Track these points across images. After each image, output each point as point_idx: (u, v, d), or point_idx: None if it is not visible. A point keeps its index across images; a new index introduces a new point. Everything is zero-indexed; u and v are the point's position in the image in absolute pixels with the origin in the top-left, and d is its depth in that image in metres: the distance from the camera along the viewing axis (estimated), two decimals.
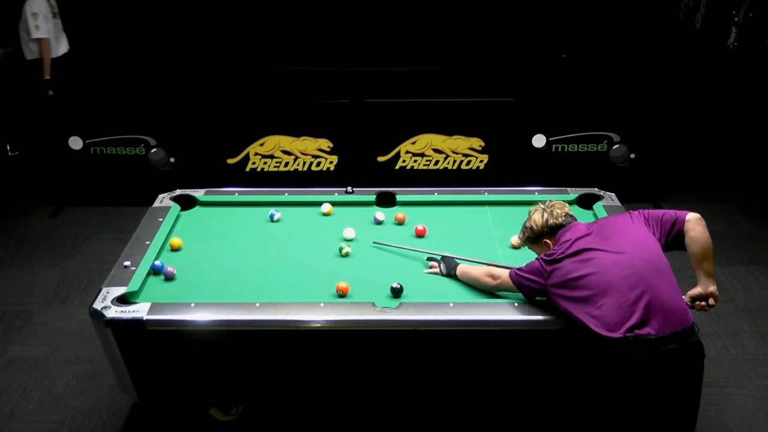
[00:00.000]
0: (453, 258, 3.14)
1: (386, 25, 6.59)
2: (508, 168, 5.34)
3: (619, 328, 2.44)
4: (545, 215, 2.82)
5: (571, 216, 2.84)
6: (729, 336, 4.02)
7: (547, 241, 2.81)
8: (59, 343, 3.97)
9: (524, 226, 2.91)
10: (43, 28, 5.52)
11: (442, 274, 3.13)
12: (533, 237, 2.87)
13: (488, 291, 2.97)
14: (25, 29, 5.56)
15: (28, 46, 5.62)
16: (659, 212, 2.74)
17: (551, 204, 2.87)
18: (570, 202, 3.77)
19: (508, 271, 2.87)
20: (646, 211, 2.79)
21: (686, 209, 2.79)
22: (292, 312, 2.81)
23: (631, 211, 2.82)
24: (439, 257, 3.19)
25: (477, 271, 3.01)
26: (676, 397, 2.49)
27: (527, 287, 2.76)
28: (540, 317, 2.80)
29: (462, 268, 3.07)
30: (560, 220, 2.80)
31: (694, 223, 2.71)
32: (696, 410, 2.56)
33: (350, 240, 3.41)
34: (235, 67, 6.28)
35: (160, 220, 3.51)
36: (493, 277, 2.91)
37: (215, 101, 5.43)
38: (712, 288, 2.66)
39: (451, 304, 2.83)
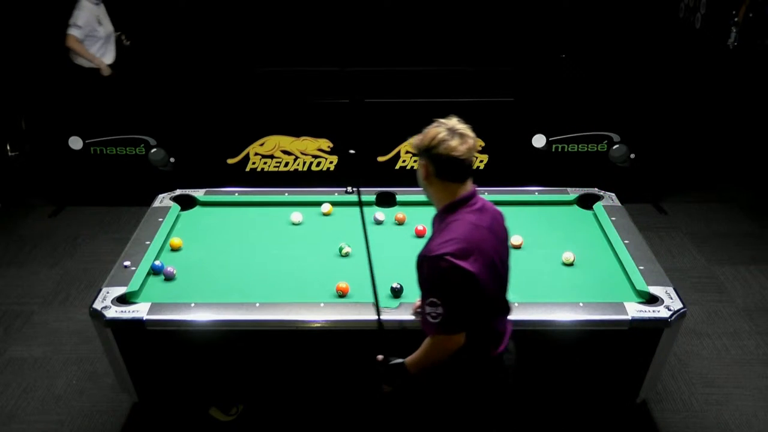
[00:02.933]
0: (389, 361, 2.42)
1: (386, 25, 6.59)
2: (508, 168, 5.34)
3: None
4: None
5: None
6: (729, 336, 4.02)
7: None
8: (59, 343, 3.97)
9: None
10: (78, 30, 5.51)
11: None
12: None
13: None
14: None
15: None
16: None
17: None
18: (570, 202, 3.78)
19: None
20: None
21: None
22: (292, 312, 2.81)
23: None
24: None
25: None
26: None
27: None
28: (540, 317, 2.80)
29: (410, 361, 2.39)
30: None
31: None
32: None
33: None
34: (235, 67, 6.28)
35: (160, 220, 3.51)
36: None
37: (215, 101, 5.43)
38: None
39: None
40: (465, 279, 2.15)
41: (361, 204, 2.58)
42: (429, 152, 2.22)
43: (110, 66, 5.77)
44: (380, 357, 2.43)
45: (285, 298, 2.91)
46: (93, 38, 5.61)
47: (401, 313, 2.79)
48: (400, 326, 2.79)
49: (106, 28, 5.72)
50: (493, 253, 2.26)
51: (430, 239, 2.27)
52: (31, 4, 6.29)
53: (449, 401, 2.42)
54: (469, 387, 2.38)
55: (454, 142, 2.19)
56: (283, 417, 3.40)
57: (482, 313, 2.27)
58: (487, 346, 2.36)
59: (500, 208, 2.46)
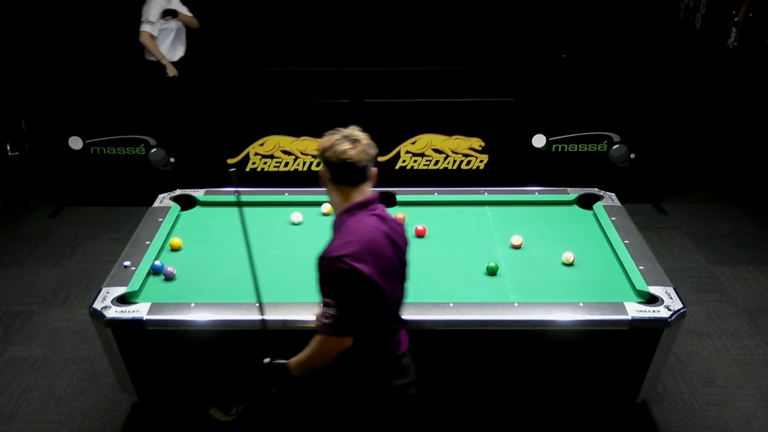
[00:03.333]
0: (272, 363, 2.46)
1: (386, 25, 6.59)
2: (508, 168, 5.34)
3: None
4: None
5: None
6: (729, 336, 4.02)
7: None
8: (59, 343, 3.96)
9: None
10: (151, 26, 5.50)
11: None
12: None
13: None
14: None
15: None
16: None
17: None
18: (570, 202, 3.78)
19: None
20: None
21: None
22: (292, 312, 2.81)
23: None
24: None
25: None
26: None
27: None
28: (540, 317, 2.80)
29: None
30: None
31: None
32: None
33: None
34: (235, 67, 6.29)
35: (160, 220, 3.51)
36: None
37: (215, 101, 5.43)
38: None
39: (451, 304, 2.83)
40: (362, 282, 2.16)
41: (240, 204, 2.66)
42: (323, 156, 2.31)
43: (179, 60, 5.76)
44: (267, 360, 2.45)
45: (285, 298, 2.91)
46: (165, 31, 5.61)
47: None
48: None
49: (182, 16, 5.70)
50: (392, 259, 2.28)
51: (330, 241, 2.31)
52: (32, 4, 6.28)
53: (347, 402, 2.47)
54: (366, 388, 2.41)
55: (345, 146, 2.27)
56: (283, 417, 3.40)
57: (376, 319, 2.28)
58: (382, 350, 2.38)
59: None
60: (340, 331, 2.22)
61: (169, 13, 5.57)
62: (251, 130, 5.34)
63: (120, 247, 3.35)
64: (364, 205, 2.32)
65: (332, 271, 2.19)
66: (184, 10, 5.72)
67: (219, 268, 3.21)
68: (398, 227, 2.40)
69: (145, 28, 5.50)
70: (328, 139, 2.33)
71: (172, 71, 5.66)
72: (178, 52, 5.79)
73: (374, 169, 2.35)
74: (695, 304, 4.27)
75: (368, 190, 2.35)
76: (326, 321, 2.22)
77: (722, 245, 4.96)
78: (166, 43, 5.65)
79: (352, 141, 2.29)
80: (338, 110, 5.25)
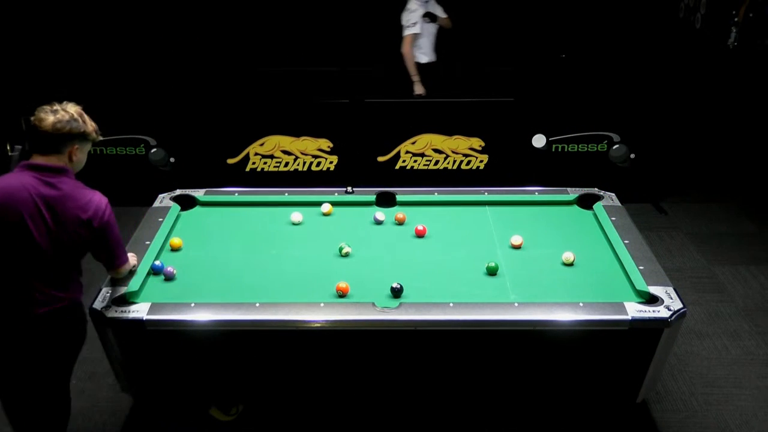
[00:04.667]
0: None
1: (387, 25, 6.59)
2: (508, 168, 5.34)
3: None
4: None
5: None
6: (729, 336, 4.02)
7: None
8: None
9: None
10: (413, 28, 5.47)
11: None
12: None
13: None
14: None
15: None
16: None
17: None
18: (570, 202, 3.78)
19: None
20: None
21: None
22: (292, 312, 2.81)
23: None
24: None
25: None
26: None
27: None
28: (540, 317, 2.80)
29: None
30: None
31: None
32: None
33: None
34: (235, 67, 6.29)
35: (160, 220, 3.51)
36: None
37: (215, 101, 5.43)
38: None
39: (451, 304, 2.83)
40: None
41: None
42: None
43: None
44: None
45: (285, 298, 2.91)
46: (420, 36, 5.55)
47: (401, 313, 2.79)
48: (400, 326, 2.79)
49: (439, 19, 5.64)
50: (22, 214, 2.51)
51: None
52: (32, 4, 6.29)
53: None
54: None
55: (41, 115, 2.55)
56: (283, 417, 3.40)
57: None
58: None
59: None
60: None
61: (428, 16, 5.49)
62: (251, 130, 5.34)
63: None
64: (35, 166, 2.61)
65: None
66: (439, 11, 5.64)
67: (219, 268, 3.21)
68: (66, 201, 2.57)
69: (409, 31, 5.44)
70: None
71: (419, 89, 5.58)
72: (429, 57, 5.68)
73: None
74: (695, 304, 4.27)
75: (48, 159, 2.60)
76: None
77: (722, 245, 4.96)
78: (424, 48, 5.58)
79: (53, 113, 2.57)
80: (338, 110, 5.25)
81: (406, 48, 5.50)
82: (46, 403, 2.79)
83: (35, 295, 2.58)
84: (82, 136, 2.63)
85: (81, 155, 2.67)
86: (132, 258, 3.02)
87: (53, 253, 2.57)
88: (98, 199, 2.64)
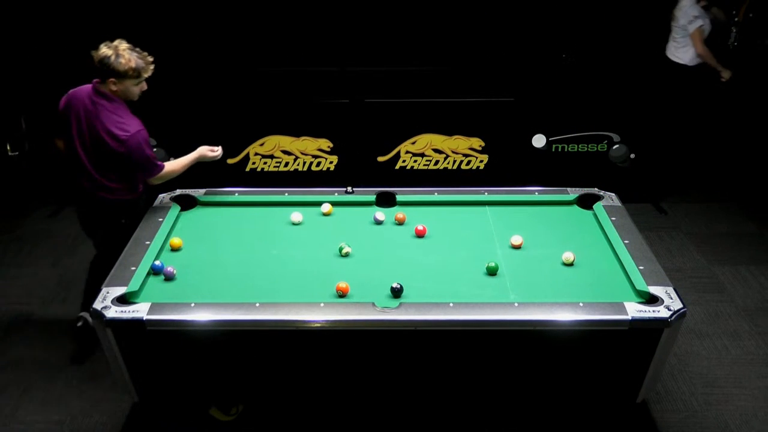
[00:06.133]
0: None
1: (386, 25, 6.58)
2: (508, 168, 5.34)
3: None
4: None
5: None
6: (729, 336, 4.02)
7: None
8: (59, 343, 3.96)
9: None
10: (696, 20, 5.13)
11: None
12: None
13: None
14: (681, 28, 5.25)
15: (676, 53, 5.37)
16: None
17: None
18: (570, 202, 3.78)
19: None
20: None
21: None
22: (292, 312, 2.81)
23: None
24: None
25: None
26: None
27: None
28: (540, 317, 2.80)
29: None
30: None
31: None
32: None
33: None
34: (235, 67, 6.28)
35: (160, 220, 3.51)
36: None
37: (215, 101, 5.42)
38: None
39: (451, 304, 2.83)
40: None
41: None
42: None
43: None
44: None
45: (285, 298, 2.91)
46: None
47: (401, 313, 2.79)
48: (400, 326, 2.79)
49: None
50: (70, 116, 3.40)
51: None
52: (32, 5, 6.28)
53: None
54: None
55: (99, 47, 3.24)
56: (283, 417, 3.40)
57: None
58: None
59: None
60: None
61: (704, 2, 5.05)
62: (251, 130, 5.34)
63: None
64: (94, 86, 3.35)
65: None
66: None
67: (219, 268, 3.21)
68: (97, 110, 3.31)
69: (694, 25, 5.08)
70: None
71: (726, 74, 5.26)
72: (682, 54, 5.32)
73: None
74: (695, 304, 4.28)
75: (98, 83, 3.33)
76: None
77: (722, 245, 4.97)
78: (688, 46, 5.23)
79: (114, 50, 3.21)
80: (338, 110, 5.25)
81: (698, 46, 5.11)
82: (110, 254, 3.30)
83: (95, 181, 3.42)
84: (117, 73, 3.20)
85: (120, 87, 3.27)
86: (208, 151, 3.79)
87: (94, 156, 3.36)
88: (126, 128, 3.26)
